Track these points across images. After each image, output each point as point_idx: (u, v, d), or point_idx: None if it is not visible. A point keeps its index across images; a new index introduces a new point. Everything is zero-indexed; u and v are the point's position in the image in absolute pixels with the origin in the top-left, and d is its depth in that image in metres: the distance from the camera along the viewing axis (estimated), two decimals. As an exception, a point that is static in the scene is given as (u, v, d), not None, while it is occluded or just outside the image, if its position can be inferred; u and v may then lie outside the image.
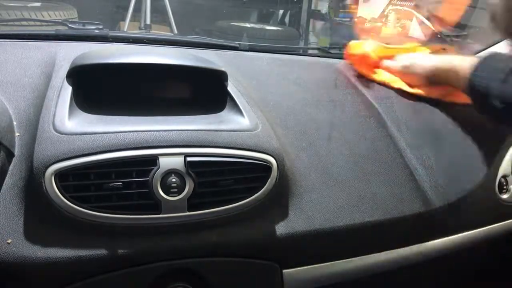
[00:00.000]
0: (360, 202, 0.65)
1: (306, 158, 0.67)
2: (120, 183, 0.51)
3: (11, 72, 0.65)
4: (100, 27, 0.91)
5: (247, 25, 2.61)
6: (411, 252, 0.70)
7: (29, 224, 0.50)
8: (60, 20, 1.77)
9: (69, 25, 0.91)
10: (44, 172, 0.49)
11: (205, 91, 0.72)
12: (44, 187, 0.49)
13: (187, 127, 0.57)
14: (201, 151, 0.55)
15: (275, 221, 0.60)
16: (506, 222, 0.81)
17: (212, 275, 0.58)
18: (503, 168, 0.80)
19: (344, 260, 0.66)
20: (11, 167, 0.53)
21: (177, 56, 0.72)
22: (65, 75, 0.62)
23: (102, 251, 0.51)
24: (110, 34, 0.85)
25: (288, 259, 0.63)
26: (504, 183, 0.82)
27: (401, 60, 0.84)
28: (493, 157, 0.79)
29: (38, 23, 1.80)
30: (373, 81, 0.88)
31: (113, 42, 0.84)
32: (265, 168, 0.57)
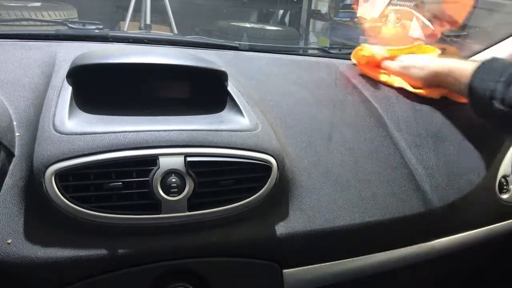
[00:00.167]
0: (360, 202, 0.65)
1: (306, 158, 0.67)
2: (120, 183, 0.51)
3: (11, 72, 0.65)
4: (100, 27, 0.91)
5: (247, 25, 2.61)
6: (411, 252, 0.70)
7: (29, 224, 0.50)
8: (60, 20, 1.77)
9: (69, 25, 0.91)
10: (44, 172, 0.49)
11: (205, 91, 0.72)
12: (44, 187, 0.49)
13: (187, 127, 0.57)
14: (201, 151, 0.55)
15: (275, 221, 0.60)
16: (506, 222, 0.81)
17: (212, 275, 0.58)
18: (503, 168, 0.80)
19: (344, 260, 0.66)
20: (11, 167, 0.53)
21: (177, 56, 0.72)
22: (65, 75, 0.62)
23: (102, 251, 0.51)
24: (110, 34, 0.85)
25: (288, 259, 0.63)
26: (504, 183, 0.82)
27: (401, 61, 0.85)
28: (493, 157, 0.79)
29: (38, 23, 1.80)
30: (376, 81, 0.89)
31: (113, 42, 0.84)
32: (265, 168, 0.57)
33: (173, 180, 0.52)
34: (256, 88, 0.76)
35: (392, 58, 0.89)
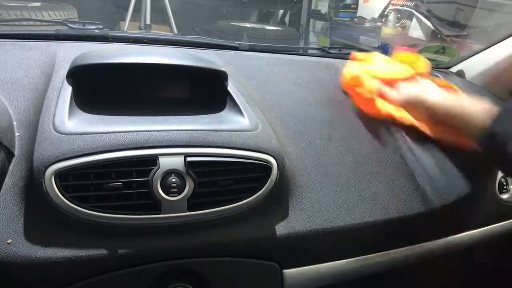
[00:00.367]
0: (360, 202, 0.65)
1: (306, 158, 0.67)
2: (120, 183, 0.51)
3: (11, 72, 0.65)
4: (100, 27, 0.90)
5: (247, 25, 2.62)
6: (411, 252, 0.70)
7: (29, 224, 0.50)
8: (60, 20, 1.77)
9: (69, 25, 0.91)
10: (44, 172, 0.49)
11: (205, 91, 0.72)
12: (44, 187, 0.49)
13: (187, 127, 0.57)
14: (201, 151, 0.55)
15: (275, 221, 0.60)
16: (506, 222, 0.81)
17: (212, 275, 0.58)
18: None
19: (344, 260, 0.66)
20: (11, 167, 0.53)
21: (177, 56, 0.72)
22: (65, 75, 0.62)
23: (102, 251, 0.51)
24: (110, 34, 0.85)
25: (288, 259, 0.63)
26: (504, 183, 0.82)
27: (406, 92, 0.71)
28: (493, 157, 0.79)
29: (38, 23, 1.80)
30: (377, 117, 0.76)
31: (113, 42, 0.84)
32: (265, 168, 0.57)
33: (173, 180, 0.52)
34: (256, 88, 0.76)
35: (389, 84, 0.75)
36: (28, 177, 0.52)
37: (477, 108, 0.61)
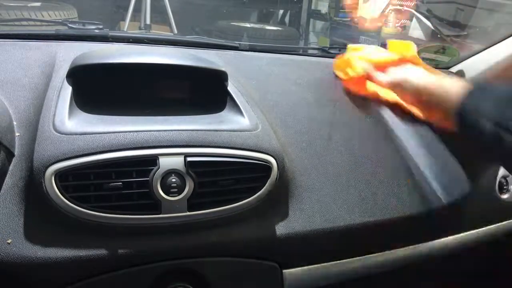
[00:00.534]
0: (360, 202, 0.65)
1: (306, 158, 0.67)
2: (120, 183, 0.51)
3: (11, 72, 0.65)
4: (100, 27, 0.90)
5: (247, 25, 2.62)
6: (411, 252, 0.70)
7: (29, 224, 0.50)
8: (60, 20, 1.77)
9: (69, 25, 0.91)
10: (44, 172, 0.49)
11: (205, 91, 0.72)
12: (44, 187, 0.49)
13: (187, 127, 0.57)
14: (201, 151, 0.55)
15: (275, 221, 0.60)
16: (506, 222, 0.81)
17: (212, 275, 0.58)
18: (504, 168, 0.80)
19: (344, 260, 0.66)
20: (11, 167, 0.53)
21: (177, 56, 0.72)
22: (65, 75, 0.62)
23: (102, 251, 0.51)
24: (110, 34, 0.85)
25: (288, 259, 0.63)
26: (504, 183, 0.82)
27: (393, 74, 0.76)
28: (493, 157, 0.79)
29: (38, 23, 1.80)
30: (365, 96, 0.81)
31: (113, 42, 0.84)
32: (265, 168, 0.57)
33: (173, 180, 0.52)
34: (256, 88, 0.76)
35: (380, 68, 0.79)
36: (28, 177, 0.52)
37: (454, 86, 0.64)
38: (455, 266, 0.84)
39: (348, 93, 0.84)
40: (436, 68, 1.11)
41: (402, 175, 0.70)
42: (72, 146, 0.51)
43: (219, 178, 0.55)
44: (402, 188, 0.69)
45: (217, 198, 0.55)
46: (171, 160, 0.53)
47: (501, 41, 0.98)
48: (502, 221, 0.81)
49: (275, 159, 0.58)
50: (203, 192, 0.54)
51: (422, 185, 0.70)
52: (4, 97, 0.60)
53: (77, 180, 0.50)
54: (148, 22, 2.07)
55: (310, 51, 1.38)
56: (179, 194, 0.53)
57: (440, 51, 1.12)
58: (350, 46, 0.91)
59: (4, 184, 0.52)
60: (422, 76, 0.71)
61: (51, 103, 0.57)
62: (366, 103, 0.81)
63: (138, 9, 2.12)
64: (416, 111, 0.76)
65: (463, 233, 0.76)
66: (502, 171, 0.80)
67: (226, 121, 0.63)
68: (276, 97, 0.76)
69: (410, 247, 0.70)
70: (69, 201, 0.49)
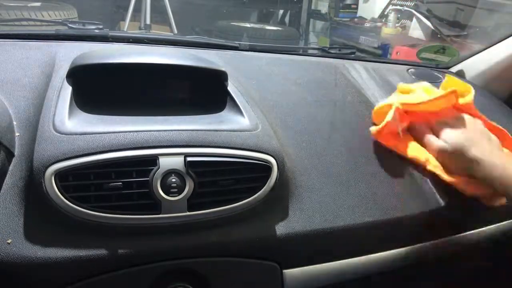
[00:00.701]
0: (360, 202, 0.65)
1: (306, 158, 0.67)
2: (120, 183, 0.51)
3: (11, 72, 0.65)
4: (100, 27, 0.90)
5: (247, 25, 2.62)
6: (411, 252, 0.70)
7: (29, 224, 0.50)
8: (60, 20, 1.77)
9: (69, 25, 0.91)
10: (44, 172, 0.49)
11: (205, 91, 0.72)
12: (44, 187, 0.49)
13: (187, 127, 0.57)
14: (201, 151, 0.55)
15: (275, 221, 0.60)
16: (506, 222, 0.81)
17: (212, 275, 0.58)
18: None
19: (344, 260, 0.66)
20: (11, 167, 0.53)
21: (177, 56, 0.72)
22: (65, 75, 0.62)
23: (102, 251, 0.51)
24: (110, 34, 0.85)
25: (288, 259, 0.63)
26: (504, 183, 0.81)
27: (449, 138, 0.62)
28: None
29: (38, 23, 1.80)
30: (404, 156, 0.70)
31: (113, 42, 0.84)
32: (265, 168, 0.57)
33: (173, 180, 0.52)
34: (256, 88, 0.76)
35: (419, 117, 0.67)
36: (28, 177, 0.52)
37: None
38: (455, 266, 0.84)
39: (349, 92, 0.84)
40: (436, 68, 1.11)
41: (402, 175, 0.70)
42: (72, 146, 0.51)
43: (219, 178, 0.55)
44: (402, 188, 0.69)
45: (217, 198, 0.55)
46: (171, 160, 0.53)
47: (501, 41, 0.98)
48: (502, 221, 0.81)
49: (275, 159, 0.58)
50: (203, 192, 0.54)
51: (422, 185, 0.70)
52: (4, 97, 0.60)
53: (77, 180, 0.50)
54: (148, 22, 2.07)
55: (310, 51, 1.38)
56: (179, 194, 0.53)
57: (440, 51, 1.12)
58: (400, 85, 0.76)
59: (4, 184, 0.52)
60: (484, 147, 0.57)
61: (51, 103, 0.57)
62: (366, 103, 0.81)
63: (138, 9, 2.12)
64: (459, 185, 0.65)
65: (463, 233, 0.76)
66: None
67: (226, 121, 0.63)
68: (276, 97, 0.76)
69: (410, 247, 0.70)
70: (69, 201, 0.49)
